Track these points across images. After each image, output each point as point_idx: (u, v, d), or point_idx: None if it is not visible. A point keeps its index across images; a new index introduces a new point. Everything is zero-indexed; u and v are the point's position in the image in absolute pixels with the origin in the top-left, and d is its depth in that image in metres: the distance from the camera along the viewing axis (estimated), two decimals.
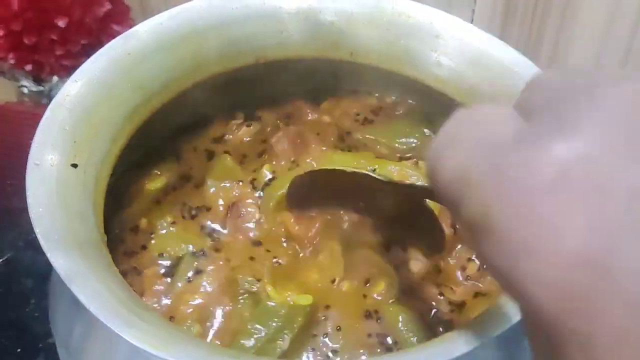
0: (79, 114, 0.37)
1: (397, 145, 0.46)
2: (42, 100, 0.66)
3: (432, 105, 0.45)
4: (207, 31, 0.42)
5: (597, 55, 0.85)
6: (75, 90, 0.38)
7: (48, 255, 0.31)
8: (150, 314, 0.31)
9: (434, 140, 0.23)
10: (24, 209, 0.34)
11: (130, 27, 0.67)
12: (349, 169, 0.38)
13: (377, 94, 0.48)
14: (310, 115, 0.47)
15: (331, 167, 0.39)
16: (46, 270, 0.34)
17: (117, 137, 0.39)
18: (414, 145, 0.46)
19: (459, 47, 0.42)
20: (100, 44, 0.65)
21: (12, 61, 0.63)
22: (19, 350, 0.52)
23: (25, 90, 0.65)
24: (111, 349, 0.35)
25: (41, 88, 0.65)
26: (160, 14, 0.41)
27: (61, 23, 0.62)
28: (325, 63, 0.45)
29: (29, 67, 0.63)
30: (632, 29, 0.83)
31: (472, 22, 0.70)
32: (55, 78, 0.64)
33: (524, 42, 0.83)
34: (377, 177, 0.37)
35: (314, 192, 0.40)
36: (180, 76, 0.42)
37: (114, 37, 0.65)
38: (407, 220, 0.39)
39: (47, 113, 0.36)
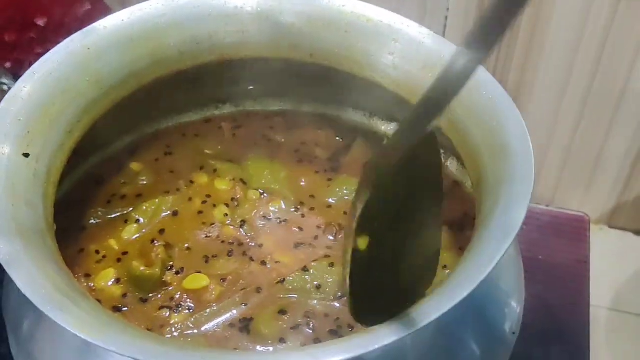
0: (34, 105, 0.38)
1: None
2: None
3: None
4: (169, 29, 0.42)
5: (568, 73, 0.86)
6: (32, 82, 0.38)
7: None
8: (87, 301, 0.32)
9: None
10: None
11: None
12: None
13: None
14: None
15: None
16: None
17: (72, 129, 0.39)
18: None
19: (415, 50, 0.42)
20: None
21: None
22: None
23: (5, 88, 0.66)
24: (59, 338, 0.36)
25: None
26: (122, 11, 0.42)
27: (41, 22, 0.63)
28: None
29: (8, 65, 0.64)
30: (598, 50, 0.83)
31: (444, 34, 0.70)
32: None
33: (494, 59, 0.84)
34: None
35: None
36: (140, 72, 0.42)
37: None
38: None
39: (2, 104, 0.37)
